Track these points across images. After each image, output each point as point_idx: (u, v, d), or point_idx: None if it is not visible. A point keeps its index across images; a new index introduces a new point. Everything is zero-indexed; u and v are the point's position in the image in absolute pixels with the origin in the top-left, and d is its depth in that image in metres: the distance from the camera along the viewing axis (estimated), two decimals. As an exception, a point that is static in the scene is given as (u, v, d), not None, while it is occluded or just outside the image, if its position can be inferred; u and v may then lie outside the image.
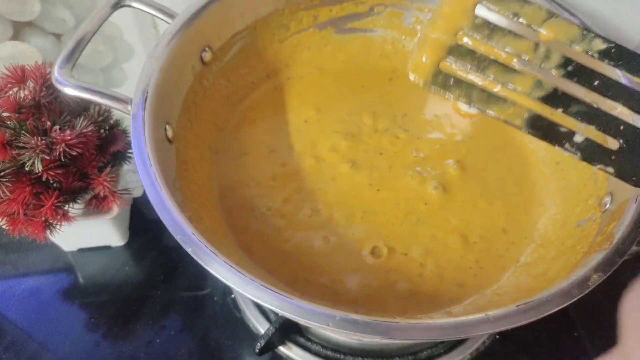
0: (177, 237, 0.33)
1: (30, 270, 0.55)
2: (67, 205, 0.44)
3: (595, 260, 0.34)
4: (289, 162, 0.49)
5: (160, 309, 0.51)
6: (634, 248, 0.53)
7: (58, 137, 0.39)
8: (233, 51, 0.53)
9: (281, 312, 0.31)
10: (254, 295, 0.31)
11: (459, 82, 0.33)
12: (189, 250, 0.33)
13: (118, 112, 0.42)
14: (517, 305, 0.31)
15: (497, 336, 0.50)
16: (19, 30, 0.56)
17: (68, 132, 0.40)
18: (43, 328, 0.50)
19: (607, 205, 0.41)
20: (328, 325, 0.30)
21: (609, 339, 0.33)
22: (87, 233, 0.53)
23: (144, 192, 0.56)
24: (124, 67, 0.65)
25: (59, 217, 0.43)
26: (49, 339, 0.50)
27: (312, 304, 0.31)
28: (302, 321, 0.31)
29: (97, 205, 0.46)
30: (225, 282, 0.31)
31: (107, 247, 0.56)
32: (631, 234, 0.35)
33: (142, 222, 0.58)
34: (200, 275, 0.54)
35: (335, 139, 0.51)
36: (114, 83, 0.65)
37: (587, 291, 0.32)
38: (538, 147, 0.52)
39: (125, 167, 0.53)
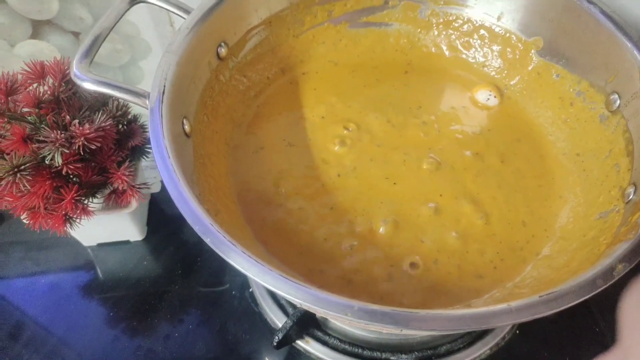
0: (196, 228, 0.33)
1: (51, 266, 0.56)
2: (86, 200, 0.44)
3: (619, 250, 0.33)
4: (306, 156, 0.49)
5: (179, 303, 0.52)
6: None
7: (77, 131, 0.40)
8: (248, 46, 0.53)
9: (299, 302, 0.30)
10: (272, 285, 0.31)
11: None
12: (207, 240, 0.33)
13: (136, 107, 0.42)
14: (540, 296, 0.30)
15: (517, 331, 0.49)
16: (38, 29, 0.57)
17: (87, 126, 0.40)
18: (63, 323, 0.51)
19: (631, 196, 0.40)
20: (346, 315, 0.29)
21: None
22: (106, 228, 0.53)
23: (162, 188, 0.57)
24: (141, 64, 0.66)
25: (78, 211, 0.43)
26: (69, 333, 0.50)
27: (330, 294, 0.30)
28: (320, 311, 0.31)
29: (116, 200, 0.47)
30: (243, 271, 0.31)
31: (126, 242, 0.56)
32: (657, 224, 0.34)
33: (160, 217, 0.58)
34: (219, 270, 0.54)
35: (352, 135, 0.51)
36: (132, 80, 0.66)
37: (612, 281, 0.31)
38: (558, 138, 0.51)
39: (143, 163, 0.54)
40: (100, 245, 0.56)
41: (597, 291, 0.31)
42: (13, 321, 0.51)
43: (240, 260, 0.32)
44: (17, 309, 0.52)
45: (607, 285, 0.31)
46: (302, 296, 0.30)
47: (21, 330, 0.51)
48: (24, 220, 0.44)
